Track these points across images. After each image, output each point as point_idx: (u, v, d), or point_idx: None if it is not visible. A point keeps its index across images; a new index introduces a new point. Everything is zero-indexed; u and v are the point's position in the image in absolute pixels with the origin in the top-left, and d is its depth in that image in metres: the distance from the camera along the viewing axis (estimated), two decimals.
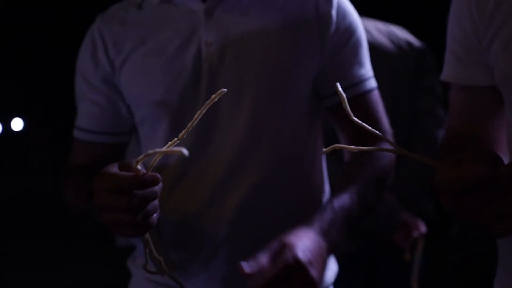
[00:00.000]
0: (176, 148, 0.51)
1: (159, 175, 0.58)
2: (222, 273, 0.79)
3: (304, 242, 0.63)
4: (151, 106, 0.81)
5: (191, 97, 0.79)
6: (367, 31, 1.39)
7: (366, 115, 0.81)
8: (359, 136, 0.81)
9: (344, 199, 0.72)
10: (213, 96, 0.54)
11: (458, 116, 0.80)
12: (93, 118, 0.86)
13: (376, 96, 0.84)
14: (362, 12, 1.47)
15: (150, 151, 0.54)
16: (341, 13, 0.81)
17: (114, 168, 0.59)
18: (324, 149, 0.57)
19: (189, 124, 0.55)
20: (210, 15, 0.79)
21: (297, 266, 0.60)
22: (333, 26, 0.80)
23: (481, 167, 0.49)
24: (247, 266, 0.60)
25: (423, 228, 1.34)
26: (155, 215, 0.60)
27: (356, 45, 0.82)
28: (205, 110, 0.55)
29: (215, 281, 0.80)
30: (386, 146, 0.77)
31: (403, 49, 1.39)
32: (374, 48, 1.36)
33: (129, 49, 0.82)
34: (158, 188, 0.59)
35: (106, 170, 0.59)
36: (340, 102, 0.77)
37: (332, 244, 0.69)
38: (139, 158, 0.56)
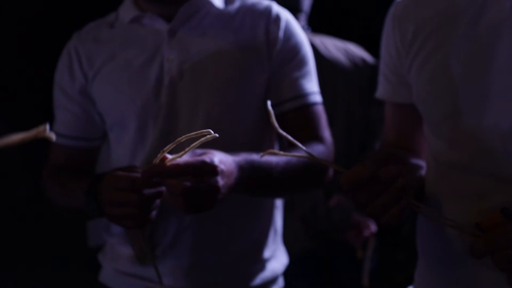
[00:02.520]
0: (205, 131, 0.61)
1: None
2: (186, 261, 0.88)
3: (224, 157, 0.70)
4: (118, 114, 0.90)
5: (153, 107, 0.88)
6: (326, 48, 1.52)
7: (308, 125, 0.91)
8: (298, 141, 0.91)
9: (271, 160, 0.79)
10: (200, 132, 0.62)
11: (391, 129, 0.92)
12: (69, 124, 0.96)
13: (320, 110, 0.93)
14: (322, 31, 1.61)
15: (182, 137, 0.62)
16: (288, 34, 0.91)
17: (121, 171, 0.72)
18: (262, 154, 0.66)
19: (182, 138, 0.63)
20: (173, 35, 0.89)
21: (211, 167, 0.66)
22: (279, 45, 0.90)
23: (364, 168, 0.60)
24: (169, 155, 0.66)
25: (373, 227, 1.46)
26: (155, 211, 0.72)
27: (301, 62, 0.92)
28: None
29: (179, 269, 0.88)
30: (321, 152, 0.88)
31: (358, 65, 1.52)
32: (332, 63, 1.49)
33: (100, 64, 0.92)
34: (162, 189, 0.70)
35: (117, 172, 0.71)
36: (285, 112, 0.90)
37: (240, 180, 0.73)
38: (166, 147, 0.64)
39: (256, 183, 0.78)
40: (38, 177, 1.01)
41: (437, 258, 0.77)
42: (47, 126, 0.53)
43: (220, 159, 0.68)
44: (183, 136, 0.62)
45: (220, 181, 0.67)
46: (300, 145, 0.64)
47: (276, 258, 0.97)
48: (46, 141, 0.97)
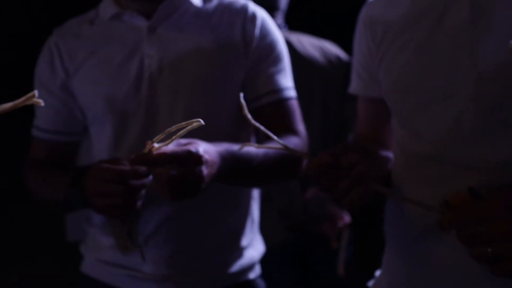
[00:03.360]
0: (194, 120, 0.64)
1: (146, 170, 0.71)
2: (167, 249, 0.91)
3: (208, 147, 0.74)
4: (99, 108, 0.93)
5: (133, 101, 0.91)
6: (302, 45, 1.56)
7: (283, 118, 0.95)
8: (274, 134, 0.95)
9: (251, 152, 0.83)
10: (189, 122, 0.65)
11: (363, 122, 0.97)
12: (50, 119, 0.98)
13: (294, 104, 0.98)
14: (299, 29, 1.66)
15: (172, 128, 0.65)
16: (263, 32, 0.95)
17: (105, 163, 0.75)
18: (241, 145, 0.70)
19: (172, 128, 0.66)
20: (153, 32, 0.92)
21: (196, 157, 0.69)
22: (256, 43, 0.94)
23: (328, 155, 0.65)
24: (156, 144, 0.69)
25: (347, 219, 1.52)
26: (140, 201, 0.75)
27: (277, 59, 0.96)
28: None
29: (160, 257, 0.91)
30: (296, 144, 0.92)
31: (333, 62, 1.57)
32: (308, 61, 1.53)
33: (81, 59, 0.94)
34: (147, 180, 0.73)
35: (103, 164, 0.74)
36: (261, 106, 0.94)
37: (222, 169, 0.76)
38: (156, 138, 0.67)
39: (236, 173, 0.82)
40: (11, 171, 1.02)
41: (402, 240, 0.82)
42: (36, 92, 0.55)
43: (204, 149, 0.72)
44: (173, 126, 0.65)
45: (205, 170, 0.70)
46: (274, 137, 0.68)
47: (253, 247, 1.01)
48: (20, 136, 0.98)
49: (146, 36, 0.92)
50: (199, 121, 0.64)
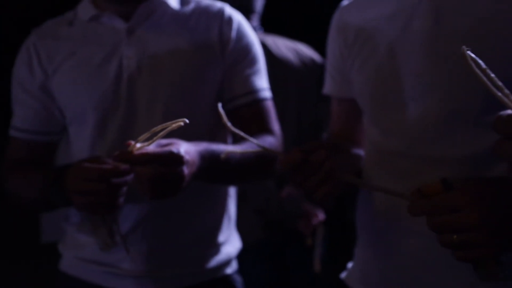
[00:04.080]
0: (178, 120, 0.67)
1: (128, 167, 0.73)
2: (145, 246, 0.93)
3: (188, 147, 0.76)
4: (79, 109, 0.94)
5: (112, 102, 0.92)
6: (277, 47, 1.60)
7: (258, 118, 0.98)
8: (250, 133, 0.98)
9: (229, 149, 0.85)
10: (171, 122, 0.68)
11: (336, 121, 1.01)
12: (29, 119, 0.98)
13: (269, 105, 1.01)
14: (274, 31, 1.69)
15: (158, 127, 0.68)
16: (239, 35, 0.98)
17: (87, 162, 0.76)
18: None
19: (158, 128, 0.68)
20: (131, 33, 0.94)
21: (177, 157, 0.71)
22: (232, 45, 0.97)
23: (298, 153, 0.69)
24: (133, 141, 0.71)
25: (322, 216, 1.56)
26: (122, 198, 0.76)
27: (252, 61, 0.99)
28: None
29: (139, 254, 0.93)
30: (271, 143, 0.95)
31: (307, 64, 1.61)
32: (283, 63, 1.57)
33: (60, 60, 0.95)
34: (129, 177, 0.74)
35: (84, 163, 0.75)
36: (237, 106, 0.97)
37: (201, 168, 0.79)
38: (141, 137, 0.69)
39: (214, 171, 0.85)
40: None
41: (372, 232, 0.86)
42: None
43: (185, 149, 0.74)
44: (159, 126, 0.68)
45: (186, 170, 0.73)
46: (252, 139, 0.71)
47: (230, 243, 1.03)
48: None
49: (124, 37, 0.94)
50: (184, 120, 0.67)
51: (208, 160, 0.81)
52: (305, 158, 0.69)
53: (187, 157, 0.73)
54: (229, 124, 0.69)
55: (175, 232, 0.95)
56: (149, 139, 0.70)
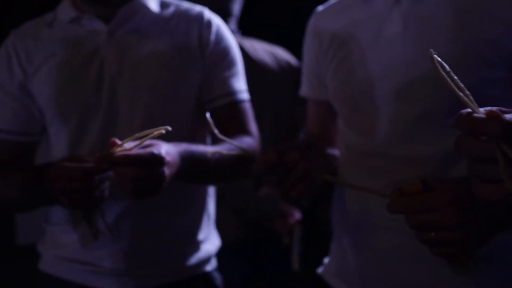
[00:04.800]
0: (160, 128, 0.70)
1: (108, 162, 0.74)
2: (125, 244, 0.94)
3: (169, 148, 0.78)
4: (59, 110, 0.94)
5: (94, 103, 0.93)
6: (255, 51, 1.63)
7: (237, 119, 1.01)
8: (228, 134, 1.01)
9: (208, 151, 0.89)
10: (154, 130, 0.71)
11: (312, 123, 1.05)
12: (8, 119, 0.98)
13: (247, 106, 1.04)
14: (251, 34, 1.72)
15: (141, 133, 0.72)
16: (218, 38, 1.01)
17: (68, 162, 0.77)
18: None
19: (141, 134, 0.72)
20: (112, 36, 0.95)
21: (158, 158, 0.73)
22: (211, 48, 0.99)
23: (274, 153, 0.72)
24: (117, 140, 0.74)
25: (298, 215, 1.60)
26: (107, 191, 0.78)
27: (231, 63, 1.02)
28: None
29: (119, 252, 0.94)
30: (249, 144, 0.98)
31: (283, 67, 1.65)
32: (260, 66, 1.60)
33: (40, 61, 0.95)
34: (111, 173, 0.76)
35: (66, 163, 0.77)
36: (216, 108, 0.99)
37: (182, 169, 0.82)
38: (124, 141, 0.72)
39: (194, 172, 0.87)
40: None
41: (346, 228, 0.90)
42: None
43: (166, 150, 0.76)
44: (142, 132, 0.72)
45: (166, 171, 0.75)
46: (233, 142, 0.75)
47: (210, 241, 1.05)
48: None
49: (105, 39, 0.95)
50: (167, 128, 0.70)
51: (188, 161, 0.83)
52: (280, 158, 0.73)
53: (168, 158, 0.76)
54: (216, 131, 0.72)
55: (155, 230, 0.97)
56: (128, 139, 0.73)
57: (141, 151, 0.73)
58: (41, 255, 1.03)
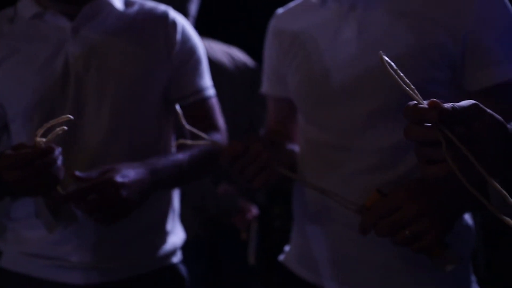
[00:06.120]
0: (64, 117, 0.73)
1: (53, 145, 0.76)
2: (91, 238, 0.94)
3: (127, 170, 0.82)
4: (22, 106, 0.93)
5: (59, 100, 0.93)
6: (213, 51, 1.67)
7: (206, 115, 1.05)
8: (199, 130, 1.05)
9: (179, 156, 0.95)
10: (59, 118, 0.75)
11: (272, 119, 1.10)
12: None
13: (214, 102, 1.08)
14: (211, 36, 1.76)
15: (48, 123, 0.74)
16: (184, 38, 1.03)
17: (9, 150, 0.76)
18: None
19: (47, 124, 0.75)
20: (76, 32, 0.96)
21: (111, 184, 0.78)
22: (177, 47, 1.01)
23: (238, 144, 0.78)
24: (79, 173, 0.79)
25: (255, 211, 1.65)
26: (61, 170, 0.78)
27: (197, 62, 1.05)
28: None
29: (86, 245, 0.94)
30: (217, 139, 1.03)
31: (240, 68, 1.70)
32: (217, 66, 1.64)
33: (2, 57, 0.94)
34: (57, 153, 0.76)
35: (6, 151, 0.75)
36: (185, 105, 1.02)
37: (157, 182, 0.88)
38: (38, 131, 0.74)
39: (171, 180, 0.93)
40: None
41: (304, 218, 0.96)
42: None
43: (122, 173, 0.80)
44: (44, 124, 0.75)
45: (124, 193, 0.79)
46: (204, 135, 0.80)
47: (175, 233, 1.08)
48: None
49: (70, 36, 0.95)
50: (68, 117, 0.74)
51: (162, 171, 0.89)
52: (245, 148, 0.79)
53: (124, 180, 0.80)
54: (185, 123, 0.77)
55: (121, 223, 0.97)
56: (47, 134, 0.76)
57: (94, 179, 0.78)
58: (1, 252, 1.01)
